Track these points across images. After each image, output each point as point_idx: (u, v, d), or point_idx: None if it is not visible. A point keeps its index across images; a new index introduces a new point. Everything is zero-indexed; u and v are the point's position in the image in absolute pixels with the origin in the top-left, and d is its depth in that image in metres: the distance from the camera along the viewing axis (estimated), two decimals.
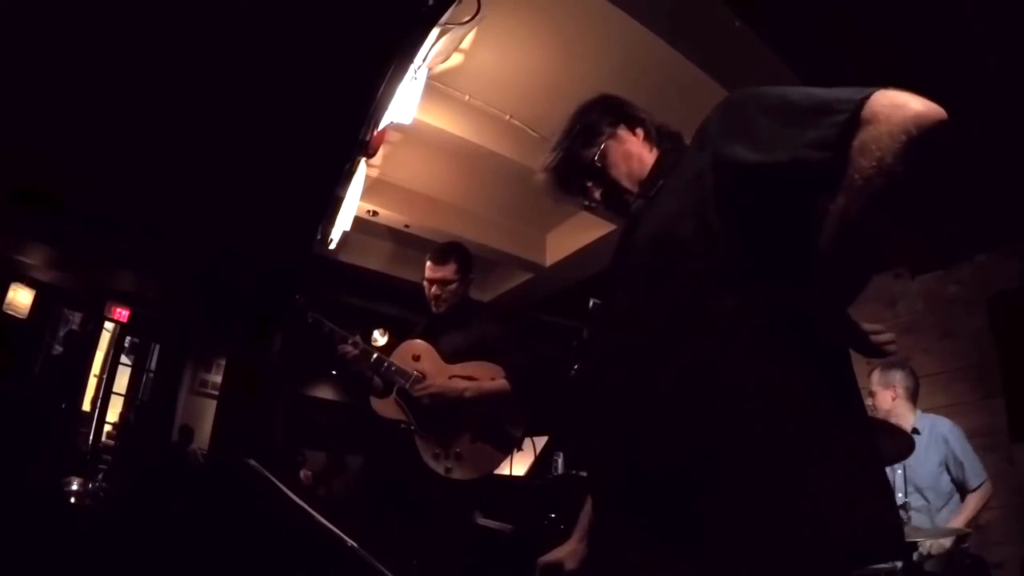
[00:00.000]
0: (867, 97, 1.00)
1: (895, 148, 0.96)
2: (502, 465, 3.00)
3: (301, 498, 2.15)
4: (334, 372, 10.93)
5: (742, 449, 1.04)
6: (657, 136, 1.51)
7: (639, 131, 1.51)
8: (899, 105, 0.98)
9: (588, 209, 1.58)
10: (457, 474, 2.75)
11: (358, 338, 2.97)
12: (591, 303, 1.44)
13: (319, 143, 4.01)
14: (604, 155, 1.46)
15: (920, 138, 0.95)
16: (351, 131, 3.81)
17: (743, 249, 1.12)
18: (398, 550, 2.61)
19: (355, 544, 2.04)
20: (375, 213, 5.56)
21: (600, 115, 1.52)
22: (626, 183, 1.44)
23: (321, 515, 2.12)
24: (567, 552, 1.49)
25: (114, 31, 3.35)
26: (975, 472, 3.23)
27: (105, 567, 3.24)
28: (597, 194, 1.48)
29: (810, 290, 1.07)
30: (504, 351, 2.90)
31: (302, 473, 8.80)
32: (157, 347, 10.02)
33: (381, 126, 3.68)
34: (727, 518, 1.02)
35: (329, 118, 3.82)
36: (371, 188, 5.29)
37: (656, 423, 1.13)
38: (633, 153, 1.48)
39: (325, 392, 11.44)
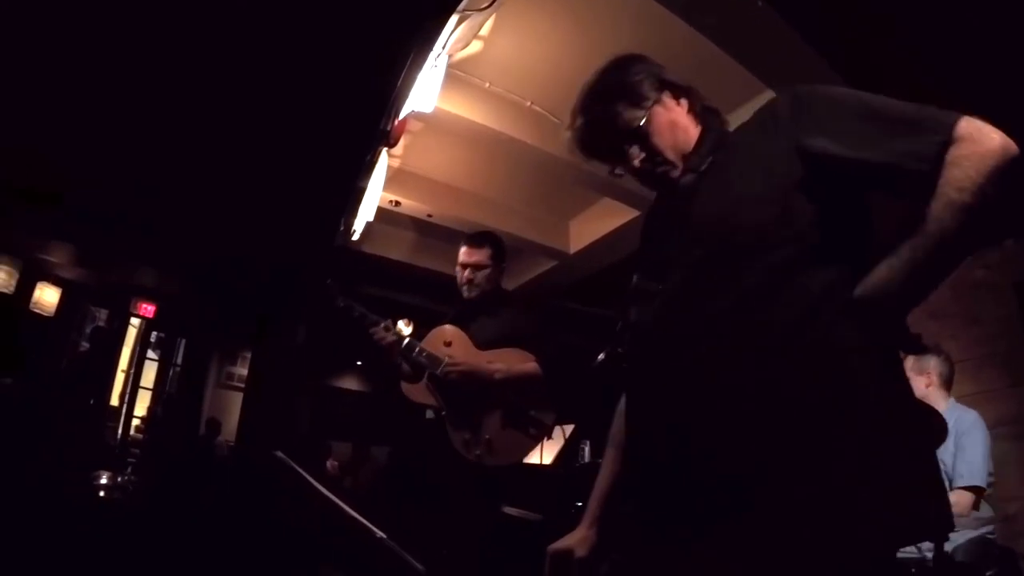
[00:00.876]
0: (956, 120, 1.08)
1: (986, 169, 1.03)
2: (532, 453, 2.99)
3: (328, 489, 2.15)
4: (359, 363, 10.99)
5: (819, 436, 1.05)
6: (701, 110, 1.43)
7: (683, 101, 1.42)
8: (987, 132, 1.06)
9: (614, 176, 1.46)
10: (487, 461, 2.73)
11: (389, 322, 2.95)
12: (634, 280, 1.37)
13: (340, 134, 3.99)
14: (649, 120, 1.36)
15: (1005, 165, 1.04)
16: (372, 121, 3.79)
17: (823, 239, 1.14)
18: (425, 540, 2.62)
19: (384, 536, 2.04)
20: (397, 203, 5.57)
21: (644, 77, 1.41)
22: (670, 154, 1.36)
23: (349, 507, 2.11)
24: (577, 539, 1.46)
25: (135, 23, 3.35)
26: (970, 471, 3.04)
27: (135, 559, 3.27)
28: (636, 161, 1.37)
29: (865, 300, 1.11)
30: (535, 339, 2.88)
31: (329, 464, 8.86)
32: (183, 341, 10.16)
33: (402, 115, 3.66)
34: (799, 505, 1.03)
35: (349, 108, 3.81)
36: (393, 178, 5.28)
37: (730, 408, 1.11)
38: (679, 123, 1.39)
39: (350, 383, 11.51)
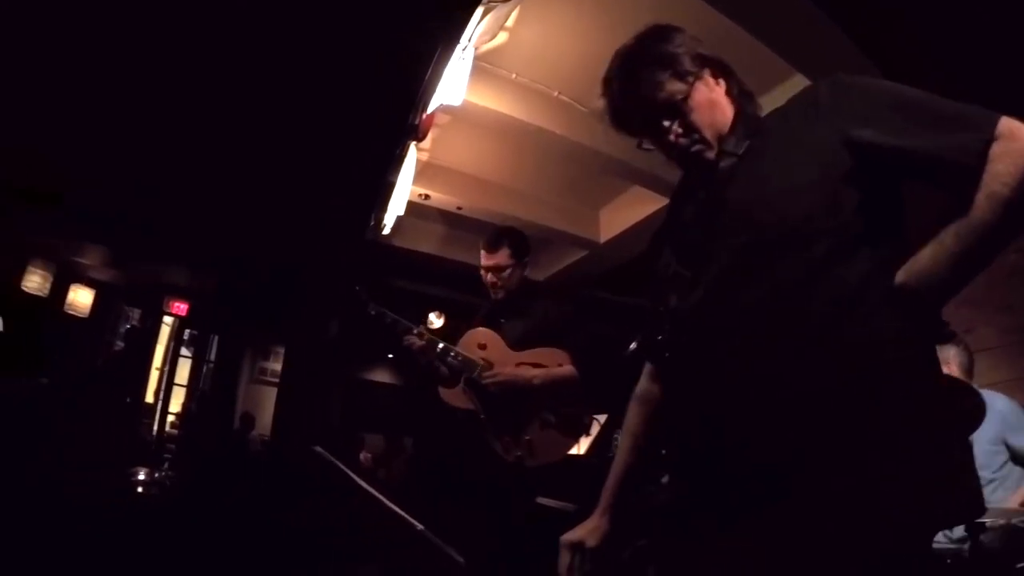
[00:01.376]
0: (999, 117, 1.10)
1: None
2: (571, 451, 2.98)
3: (364, 482, 2.16)
4: (390, 356, 11.06)
5: (854, 427, 1.05)
6: (739, 92, 1.38)
7: (722, 82, 1.36)
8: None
9: (642, 148, 1.38)
10: (528, 462, 2.73)
11: (423, 328, 2.97)
12: (669, 263, 1.33)
13: (369, 129, 4.02)
14: (691, 95, 1.30)
15: None
16: (400, 116, 3.80)
17: (864, 229, 1.14)
18: (460, 532, 2.65)
19: (423, 528, 2.05)
20: (427, 196, 5.58)
21: (686, 50, 1.34)
22: (707, 133, 1.30)
23: (388, 500, 2.13)
24: (589, 529, 1.46)
25: (165, 20, 3.39)
26: None
27: (171, 554, 3.32)
28: (673, 136, 1.31)
29: (906, 289, 1.11)
30: (567, 333, 2.86)
31: (362, 456, 8.96)
32: (216, 338, 10.32)
33: (430, 109, 3.67)
34: (833, 496, 1.03)
35: (378, 104, 3.83)
36: (422, 172, 5.30)
37: (765, 398, 1.11)
38: (718, 103, 1.34)
39: (382, 376, 11.63)
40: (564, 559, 1.45)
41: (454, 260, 6.57)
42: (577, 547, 1.44)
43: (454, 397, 2.89)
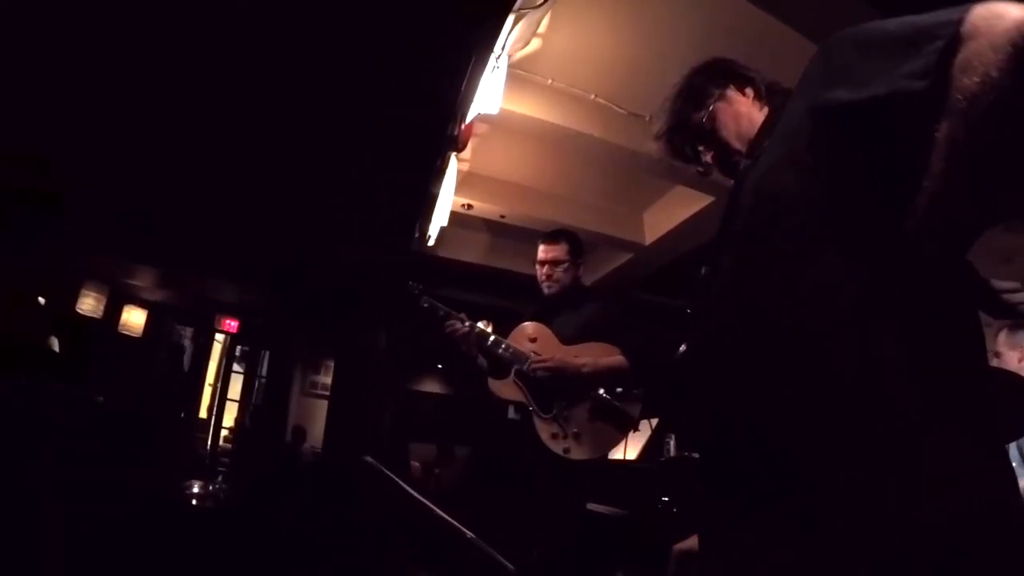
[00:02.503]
0: (965, 13, 0.91)
1: (999, 61, 0.86)
2: (618, 446, 2.98)
3: (415, 491, 2.18)
4: (440, 366, 11.16)
5: (858, 416, 0.96)
6: (768, 94, 1.47)
7: (748, 90, 1.48)
8: (999, 15, 0.88)
9: (703, 175, 1.55)
10: (575, 454, 2.74)
11: (480, 325, 3.01)
12: (702, 271, 1.35)
13: (408, 142, 4.06)
14: (713, 117, 1.45)
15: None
16: (438, 127, 3.83)
17: (848, 199, 1.04)
18: (513, 538, 2.62)
19: (474, 536, 2.05)
20: (470, 207, 5.61)
21: (707, 78, 1.50)
22: (736, 144, 1.42)
23: (438, 508, 2.14)
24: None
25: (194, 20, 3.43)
26: None
27: (227, 565, 3.38)
28: (708, 157, 1.47)
29: (918, 234, 0.96)
30: (618, 332, 2.88)
31: (412, 466, 9.02)
32: (267, 354, 10.55)
33: (468, 119, 3.69)
34: (841, 492, 0.96)
35: (415, 116, 3.86)
36: (464, 182, 5.32)
37: (761, 393, 1.06)
38: (743, 113, 1.45)
39: (432, 386, 11.76)
40: (676, 568, 1.51)
41: (499, 268, 6.62)
42: (691, 556, 1.49)
43: (504, 389, 2.92)
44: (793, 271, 1.05)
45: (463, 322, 2.99)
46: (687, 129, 1.48)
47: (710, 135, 1.45)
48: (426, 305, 3.11)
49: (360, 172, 4.53)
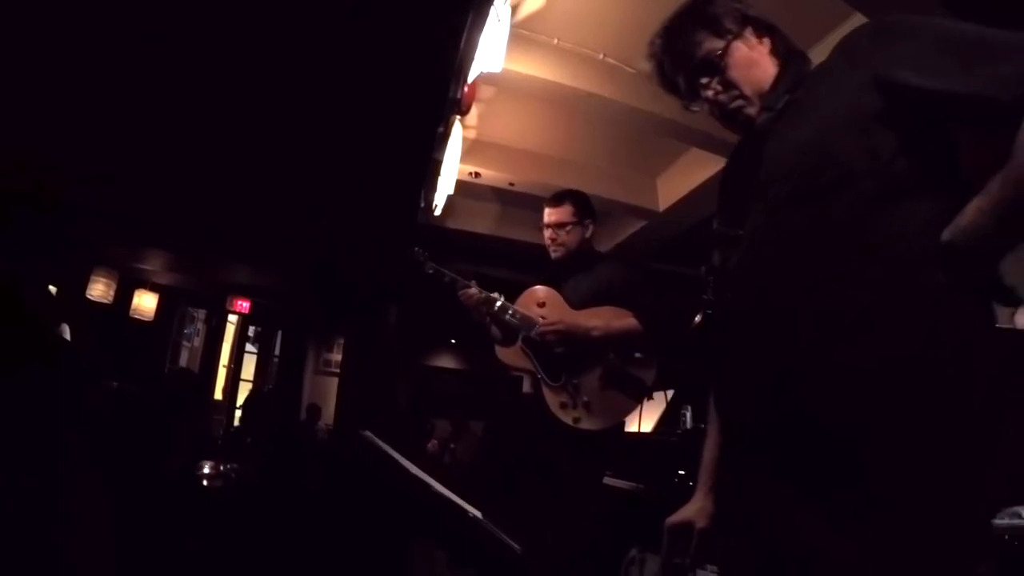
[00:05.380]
0: None
1: None
2: (631, 416, 2.85)
3: (421, 467, 2.02)
4: (453, 341, 11.17)
5: (919, 389, 0.96)
6: (785, 51, 1.36)
7: (766, 40, 1.35)
8: None
9: (689, 110, 1.41)
10: (586, 424, 2.62)
11: (479, 288, 2.88)
12: (714, 225, 1.32)
13: (410, 107, 3.90)
14: (728, 53, 1.31)
15: None
16: (440, 90, 3.68)
17: (910, 174, 1.06)
18: (528, 517, 2.55)
19: (478, 515, 1.90)
20: (477, 175, 5.50)
21: (726, 11, 1.35)
22: (746, 89, 1.30)
23: (442, 485, 1.98)
24: (695, 510, 1.37)
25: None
26: None
27: (241, 542, 3.35)
28: (710, 93, 1.33)
29: (951, 246, 1.00)
30: (632, 295, 2.74)
31: (430, 444, 9.00)
32: (280, 333, 10.60)
33: (470, 79, 3.53)
34: (897, 476, 0.96)
35: (415, 80, 3.72)
36: (470, 149, 5.23)
37: (823, 357, 1.04)
38: (757, 61, 1.33)
39: (446, 361, 11.90)
40: (672, 542, 1.38)
41: (509, 239, 6.51)
42: (684, 529, 1.37)
43: (511, 356, 2.81)
44: (861, 234, 1.05)
45: (479, 292, 2.86)
46: (695, 57, 1.33)
47: (721, 71, 1.31)
48: (431, 271, 2.98)
49: (363, 139, 4.37)
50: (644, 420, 4.37)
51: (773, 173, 1.18)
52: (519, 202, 6.13)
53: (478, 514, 1.89)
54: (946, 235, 1.00)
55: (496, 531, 1.87)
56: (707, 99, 1.34)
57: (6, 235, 5.45)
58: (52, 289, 6.56)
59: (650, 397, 3.04)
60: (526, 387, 3.05)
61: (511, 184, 5.68)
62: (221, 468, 4.26)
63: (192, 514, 3.47)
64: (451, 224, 6.25)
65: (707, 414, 1.44)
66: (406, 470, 1.97)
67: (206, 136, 4.53)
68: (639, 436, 4.23)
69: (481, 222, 6.56)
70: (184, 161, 4.93)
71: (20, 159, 4.79)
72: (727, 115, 1.33)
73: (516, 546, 1.84)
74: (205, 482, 4.13)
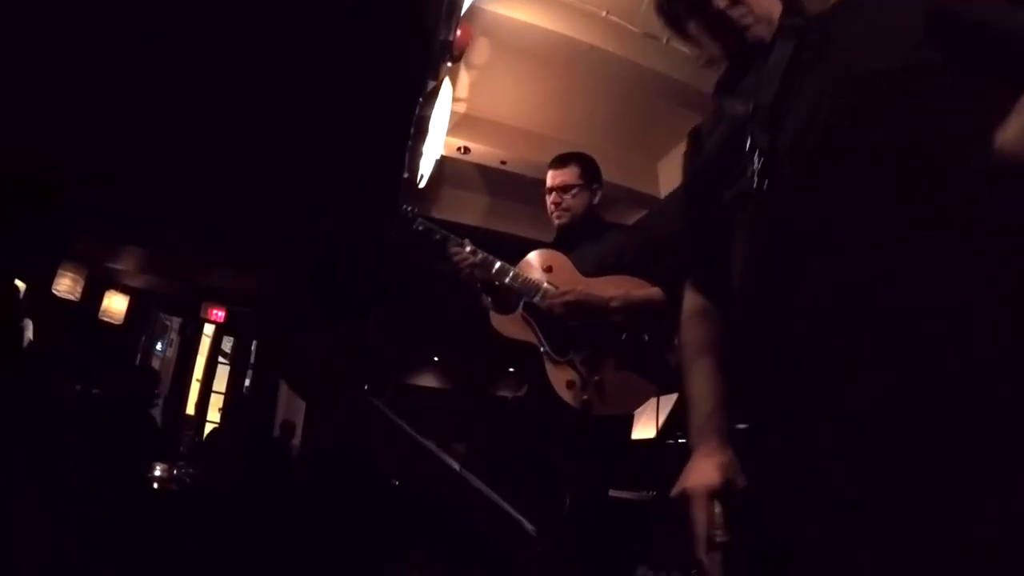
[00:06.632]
0: None
1: None
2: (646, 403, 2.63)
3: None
4: (436, 359, 11.11)
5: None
6: None
7: None
8: None
9: (682, 37, 1.32)
10: (597, 409, 2.32)
11: (488, 256, 2.61)
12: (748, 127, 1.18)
13: (396, 54, 3.47)
14: None
15: None
16: (429, 32, 3.27)
17: (975, 103, 0.99)
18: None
19: (491, 493, 1.74)
20: (467, 150, 5.22)
21: None
22: (755, 8, 1.24)
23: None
24: (721, 464, 1.16)
25: None
26: None
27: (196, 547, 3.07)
28: (722, 3, 1.22)
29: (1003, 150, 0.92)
30: (647, 264, 2.46)
31: None
32: (255, 344, 10.40)
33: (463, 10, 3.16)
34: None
35: (401, 23, 3.31)
36: (460, 124, 5.03)
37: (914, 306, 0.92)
38: None
39: (428, 380, 12.01)
40: (707, 510, 1.13)
41: (500, 232, 6.18)
42: (719, 493, 1.14)
43: (509, 326, 2.53)
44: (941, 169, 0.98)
45: (474, 252, 2.58)
46: None
47: None
48: (420, 228, 2.71)
49: (342, 96, 3.90)
50: (648, 425, 4.09)
51: (830, 87, 1.10)
52: (510, 192, 5.87)
53: (490, 492, 1.71)
54: (997, 141, 0.92)
55: (514, 512, 1.68)
56: (714, 12, 1.25)
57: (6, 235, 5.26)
58: (20, 284, 6.24)
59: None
60: (521, 391, 2.77)
61: (503, 163, 5.38)
62: (175, 472, 4.05)
63: (137, 516, 3.17)
64: (436, 214, 5.89)
65: (687, 340, 1.31)
66: (412, 437, 1.83)
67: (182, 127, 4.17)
68: (645, 443, 4.05)
69: (470, 213, 6.27)
70: (154, 154, 4.54)
71: (20, 159, 4.53)
72: (732, 32, 1.26)
73: (530, 526, 1.66)
74: (156, 484, 3.90)
